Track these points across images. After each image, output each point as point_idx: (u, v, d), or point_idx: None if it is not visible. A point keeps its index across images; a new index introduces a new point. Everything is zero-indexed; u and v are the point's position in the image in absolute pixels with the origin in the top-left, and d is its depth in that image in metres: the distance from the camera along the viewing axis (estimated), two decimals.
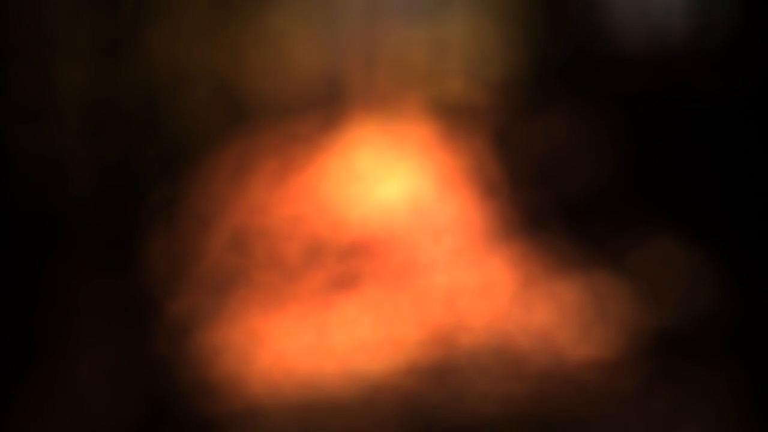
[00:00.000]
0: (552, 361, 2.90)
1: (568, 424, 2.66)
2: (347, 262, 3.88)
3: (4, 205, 3.23)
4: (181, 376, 2.85)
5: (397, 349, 2.97)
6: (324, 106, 6.77)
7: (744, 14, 3.64)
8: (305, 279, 3.65)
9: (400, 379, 2.85)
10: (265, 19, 5.77)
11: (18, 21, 3.22)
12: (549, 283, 3.47)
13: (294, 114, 6.13)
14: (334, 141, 6.55)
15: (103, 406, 2.76)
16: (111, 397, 2.77)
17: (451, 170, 5.77)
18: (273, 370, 2.84)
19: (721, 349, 2.85)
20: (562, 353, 2.93)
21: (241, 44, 5.26)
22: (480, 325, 3.14)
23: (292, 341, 3.03)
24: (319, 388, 2.79)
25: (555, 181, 4.41)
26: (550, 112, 4.92)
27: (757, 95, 3.36)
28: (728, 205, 3.42)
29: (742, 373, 2.71)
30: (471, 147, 5.90)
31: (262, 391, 2.77)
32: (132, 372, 2.87)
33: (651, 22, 4.24)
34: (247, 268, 3.78)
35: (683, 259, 3.33)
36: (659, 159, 3.90)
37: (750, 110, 3.35)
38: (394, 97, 7.24)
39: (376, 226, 4.44)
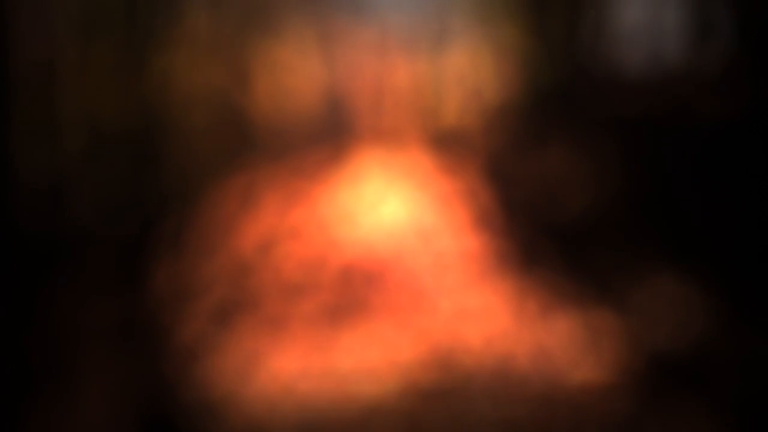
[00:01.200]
0: (551, 383, 2.89)
1: None
2: (348, 286, 3.89)
3: (10, 227, 3.26)
4: (183, 396, 2.86)
5: (396, 370, 2.96)
6: (330, 136, 6.82)
7: (740, 40, 3.66)
8: (308, 302, 3.66)
9: (399, 400, 2.84)
10: (274, 52, 5.84)
11: (27, 46, 3.27)
12: (543, 308, 3.48)
13: (301, 145, 6.18)
14: (339, 170, 6.60)
15: (106, 427, 2.76)
16: (113, 418, 2.77)
17: (451, 199, 5.81)
18: (273, 391, 2.85)
19: (716, 374, 2.84)
20: (561, 376, 2.92)
21: (249, 75, 5.31)
22: (479, 348, 3.13)
23: (293, 362, 3.03)
24: (319, 409, 2.78)
25: (550, 210, 4.42)
26: (546, 141, 4.94)
27: (754, 119, 3.36)
28: (726, 234, 3.40)
29: (737, 397, 2.70)
30: (469, 176, 5.94)
31: (262, 411, 2.77)
32: (134, 393, 2.87)
33: (649, 48, 4.27)
34: (251, 291, 3.79)
35: (679, 289, 3.31)
36: (655, 187, 3.89)
37: (748, 134, 3.35)
38: (397, 128, 7.30)
39: (376, 251, 4.47)
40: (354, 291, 3.78)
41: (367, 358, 3.07)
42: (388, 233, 4.86)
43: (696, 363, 2.95)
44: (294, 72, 5.88)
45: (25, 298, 3.19)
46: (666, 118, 3.84)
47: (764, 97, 3.36)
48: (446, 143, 7.05)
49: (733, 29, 3.70)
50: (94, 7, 3.51)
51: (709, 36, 3.79)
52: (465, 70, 7.36)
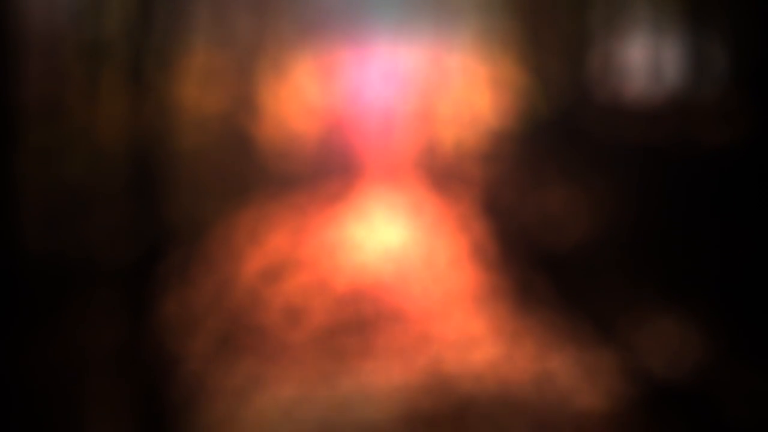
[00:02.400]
0: (550, 410, 2.85)
1: None
2: (347, 314, 3.87)
3: (17, 250, 3.24)
4: (185, 418, 2.82)
5: (396, 395, 2.92)
6: (332, 165, 6.82)
7: (735, 73, 3.69)
8: (309, 328, 3.63)
9: (399, 425, 2.80)
10: (280, 83, 5.88)
11: (36, 74, 3.27)
12: (539, 336, 3.45)
13: (305, 171, 6.19)
14: (340, 199, 6.58)
15: None
16: None
17: (450, 229, 5.80)
18: (273, 414, 2.81)
19: (713, 408, 2.81)
20: (559, 404, 2.88)
21: (256, 105, 5.33)
22: (478, 374, 3.09)
23: (293, 386, 2.99)
24: None
25: (547, 242, 4.41)
26: (542, 173, 4.94)
27: (750, 150, 3.35)
28: (722, 267, 3.35)
29: (730, 422, 2.68)
30: (467, 207, 5.92)
31: None
32: (137, 414, 2.84)
33: (646, 82, 4.28)
34: (255, 317, 3.76)
35: (677, 324, 3.25)
36: (652, 220, 3.85)
37: (745, 165, 3.33)
38: (398, 159, 7.27)
39: (375, 281, 4.46)
40: (353, 319, 3.75)
41: (367, 382, 3.03)
42: (388, 263, 4.85)
43: (694, 398, 2.92)
44: (299, 102, 5.93)
45: (31, 322, 3.17)
46: (663, 147, 3.83)
47: (759, 127, 3.35)
48: (445, 175, 7.09)
49: (727, 64, 3.73)
50: (102, 36, 3.52)
51: (705, 71, 3.81)
52: (464, 104, 7.43)
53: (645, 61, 4.32)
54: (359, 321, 3.74)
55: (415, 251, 5.18)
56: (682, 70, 3.93)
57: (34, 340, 3.13)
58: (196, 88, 4.25)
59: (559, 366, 3.13)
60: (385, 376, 3.07)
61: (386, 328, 3.64)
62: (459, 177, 6.76)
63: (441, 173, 7.29)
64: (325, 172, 6.63)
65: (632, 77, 4.44)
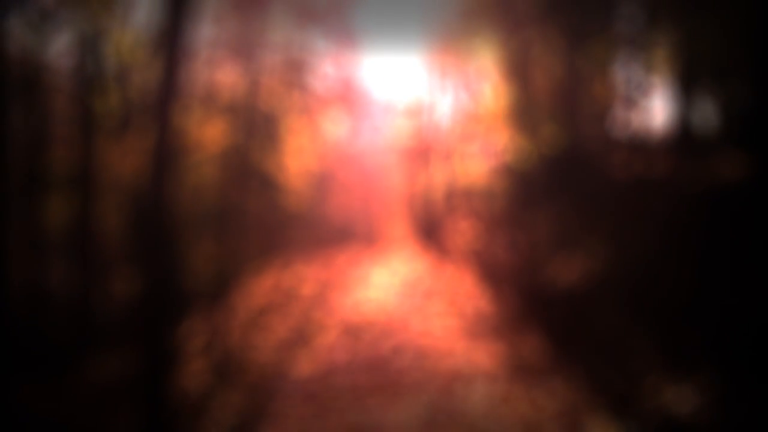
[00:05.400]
0: None
1: None
2: (360, 348, 3.84)
3: (45, 300, 3.20)
4: None
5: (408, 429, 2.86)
6: (346, 216, 6.85)
7: (724, 121, 3.77)
8: (324, 364, 3.59)
9: None
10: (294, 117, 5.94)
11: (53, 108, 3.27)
12: (535, 371, 3.42)
13: (320, 221, 6.22)
14: (355, 244, 6.58)
15: None
16: None
17: (450, 269, 5.75)
18: None
19: None
20: None
21: (273, 138, 5.35)
22: (481, 410, 3.03)
23: (307, 420, 2.94)
24: None
25: (542, 285, 4.38)
26: (532, 237, 4.96)
27: (738, 189, 3.36)
28: (718, 311, 3.30)
29: None
30: (460, 260, 5.89)
31: None
32: None
33: (640, 131, 4.35)
34: (271, 355, 3.71)
35: (674, 381, 3.18)
36: (641, 271, 3.79)
37: (739, 204, 3.33)
38: (399, 212, 7.29)
39: (385, 317, 4.44)
40: (363, 355, 3.71)
41: (377, 416, 2.97)
42: (393, 304, 4.85)
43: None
44: (309, 136, 5.97)
45: (58, 366, 3.14)
46: (659, 193, 3.84)
47: (750, 170, 3.37)
48: (441, 226, 7.16)
49: (717, 113, 3.81)
50: (118, 73, 3.54)
51: (691, 114, 3.89)
52: (458, 162, 7.56)
53: (640, 115, 4.41)
54: (369, 357, 3.72)
55: (417, 295, 5.17)
56: (678, 120, 4.01)
57: (61, 382, 3.11)
58: (211, 125, 4.28)
59: (562, 403, 3.10)
60: (395, 409, 3.02)
61: (396, 363, 3.61)
62: (454, 228, 6.81)
63: (436, 225, 7.35)
64: (332, 216, 6.65)
65: (626, 134, 4.52)
